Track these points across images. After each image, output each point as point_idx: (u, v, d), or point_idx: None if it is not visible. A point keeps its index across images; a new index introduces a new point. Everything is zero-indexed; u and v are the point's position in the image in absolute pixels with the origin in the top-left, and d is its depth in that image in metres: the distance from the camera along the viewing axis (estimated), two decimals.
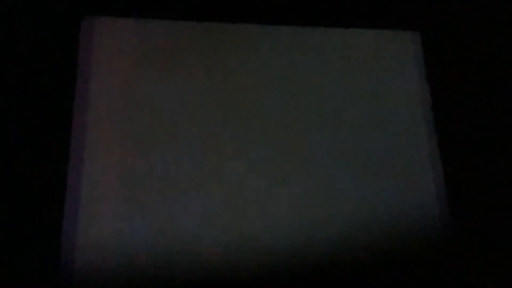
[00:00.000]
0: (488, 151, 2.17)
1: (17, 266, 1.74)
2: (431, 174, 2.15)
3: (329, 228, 2.01)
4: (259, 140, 2.08)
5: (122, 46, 2.09)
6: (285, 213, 2.00)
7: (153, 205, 1.91)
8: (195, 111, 2.07)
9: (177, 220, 1.91)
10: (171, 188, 1.94)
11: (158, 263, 1.85)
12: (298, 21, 2.27)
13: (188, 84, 2.10)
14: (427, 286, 1.96)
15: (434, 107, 2.23)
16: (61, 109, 1.95)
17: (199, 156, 2.01)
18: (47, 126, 1.91)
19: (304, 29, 2.28)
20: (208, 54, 2.15)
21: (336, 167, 2.10)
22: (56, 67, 1.99)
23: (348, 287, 1.94)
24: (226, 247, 1.91)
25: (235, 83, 2.14)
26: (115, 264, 1.82)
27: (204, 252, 1.88)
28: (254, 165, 2.04)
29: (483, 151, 2.17)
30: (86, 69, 2.02)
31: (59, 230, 1.81)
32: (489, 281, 1.96)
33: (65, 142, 1.91)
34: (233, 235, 1.93)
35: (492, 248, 2.02)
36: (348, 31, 2.33)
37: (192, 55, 2.14)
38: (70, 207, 1.86)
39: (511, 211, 2.08)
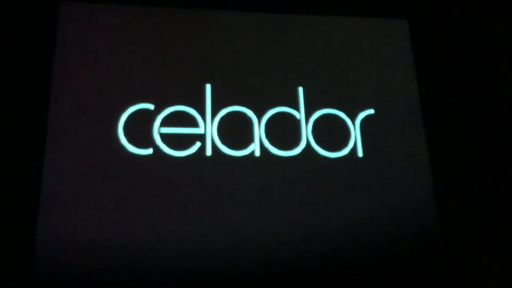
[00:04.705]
0: (475, 138, 2.16)
1: None
2: (416, 161, 2.14)
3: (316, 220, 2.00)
4: None
5: (99, 31, 2.07)
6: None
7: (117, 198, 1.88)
8: (174, 95, 2.05)
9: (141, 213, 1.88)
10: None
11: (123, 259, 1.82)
12: (287, 9, 2.26)
13: (167, 67, 2.08)
14: (415, 284, 1.94)
15: (421, 95, 2.22)
16: (38, 96, 1.95)
17: None
18: (23, 115, 1.92)
19: (292, 17, 2.27)
20: (186, 39, 2.14)
21: None
22: (35, 51, 1.99)
23: (334, 277, 1.94)
24: (194, 240, 1.89)
25: (217, 68, 2.12)
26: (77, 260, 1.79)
27: (169, 244, 1.86)
28: None
29: (470, 138, 2.16)
30: (64, 52, 2.00)
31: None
32: (476, 280, 1.94)
33: (42, 125, 1.91)
34: (198, 229, 1.90)
35: (479, 248, 2.00)
36: (335, 18, 2.33)
37: (171, 40, 2.13)
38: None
39: (500, 207, 2.07)
